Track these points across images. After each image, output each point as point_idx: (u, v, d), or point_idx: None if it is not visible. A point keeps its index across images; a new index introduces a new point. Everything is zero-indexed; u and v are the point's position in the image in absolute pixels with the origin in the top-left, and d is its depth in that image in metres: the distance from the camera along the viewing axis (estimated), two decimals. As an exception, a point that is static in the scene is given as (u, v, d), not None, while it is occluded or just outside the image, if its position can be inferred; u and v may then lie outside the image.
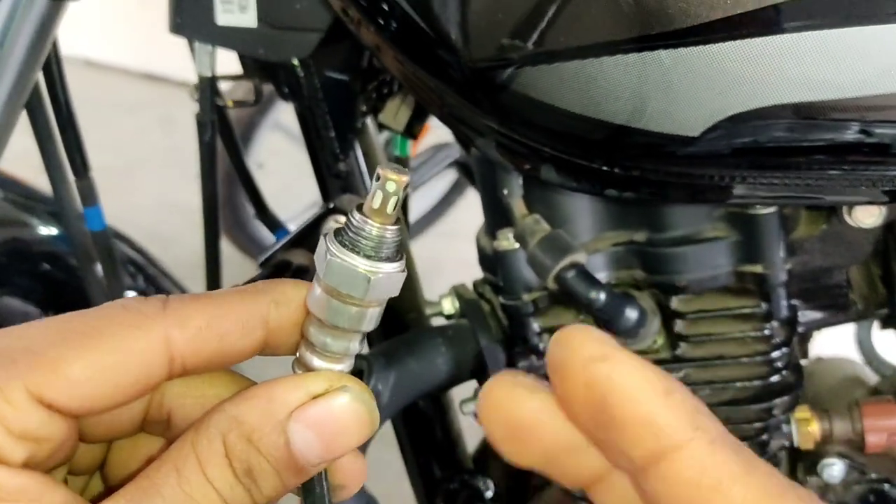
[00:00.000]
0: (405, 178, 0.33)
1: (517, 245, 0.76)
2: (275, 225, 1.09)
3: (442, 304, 0.85)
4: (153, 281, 1.14)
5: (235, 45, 0.82)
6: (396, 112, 0.87)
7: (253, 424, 0.34)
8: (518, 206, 0.76)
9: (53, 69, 0.89)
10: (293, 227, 0.92)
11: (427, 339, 0.82)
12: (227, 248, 2.22)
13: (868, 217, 0.70)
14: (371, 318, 0.36)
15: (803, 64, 0.55)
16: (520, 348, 0.80)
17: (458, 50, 0.64)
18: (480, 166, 0.80)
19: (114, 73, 4.05)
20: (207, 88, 0.87)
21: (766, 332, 0.75)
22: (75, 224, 0.94)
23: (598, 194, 0.71)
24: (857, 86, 0.55)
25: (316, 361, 0.37)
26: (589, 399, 0.28)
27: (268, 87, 0.95)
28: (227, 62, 0.92)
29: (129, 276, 1.14)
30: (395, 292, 0.35)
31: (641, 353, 0.77)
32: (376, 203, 0.34)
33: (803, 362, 0.82)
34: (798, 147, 0.60)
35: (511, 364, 0.80)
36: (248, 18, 0.79)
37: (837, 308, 0.78)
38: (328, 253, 0.34)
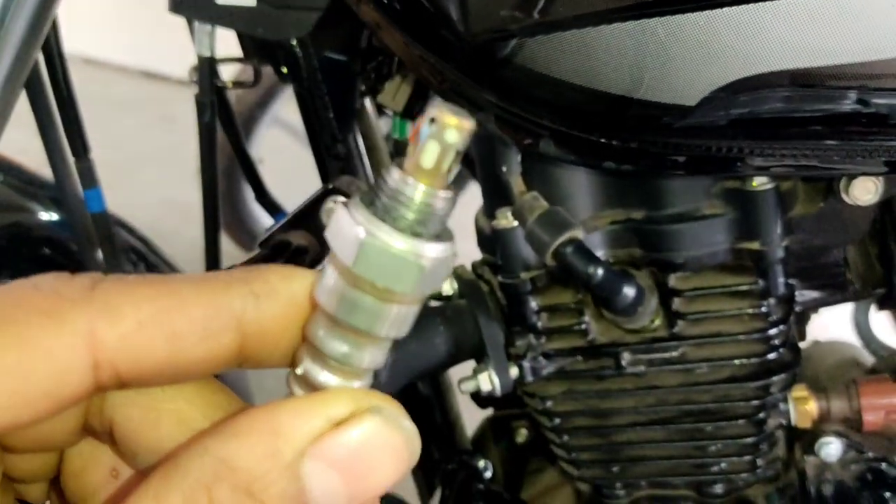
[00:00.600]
0: (469, 125, 0.25)
1: (515, 223, 0.76)
2: (274, 209, 1.09)
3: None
4: (154, 267, 1.14)
5: (234, 23, 0.83)
6: (395, 93, 0.87)
7: (253, 470, 0.24)
8: (517, 184, 0.76)
9: (53, 51, 0.90)
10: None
11: (425, 318, 0.82)
12: (226, 244, 2.23)
13: (865, 194, 0.71)
14: (409, 318, 0.28)
15: (799, 30, 0.55)
16: (518, 327, 0.80)
17: (458, 25, 0.65)
18: (479, 145, 0.80)
19: (113, 70, 4.05)
20: (206, 69, 0.87)
21: (764, 309, 0.75)
22: (76, 206, 0.94)
23: (597, 167, 0.72)
24: (854, 52, 0.56)
25: (327, 377, 0.28)
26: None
27: (268, 81, 0.95)
28: (227, 47, 0.92)
29: (131, 264, 1.14)
30: (443, 283, 0.29)
31: (639, 331, 0.78)
32: (428, 159, 0.25)
33: (801, 345, 0.82)
34: (795, 117, 0.61)
35: (510, 343, 0.80)
36: (247, -3, 0.80)
37: (834, 287, 0.78)
38: (360, 229, 0.26)
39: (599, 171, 0.74)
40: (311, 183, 0.99)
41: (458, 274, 0.85)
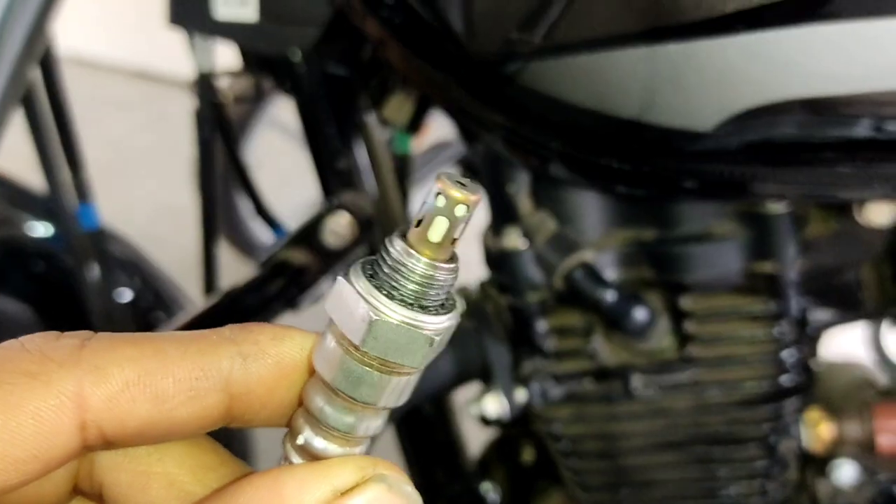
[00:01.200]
0: (477, 198, 0.24)
1: (523, 244, 0.75)
2: (273, 223, 1.07)
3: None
4: (149, 281, 1.12)
5: (235, 38, 0.81)
6: (400, 107, 0.85)
7: None
8: (524, 203, 0.74)
9: (50, 66, 0.88)
10: (294, 224, 0.90)
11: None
12: (224, 250, 2.21)
13: (879, 216, 0.69)
14: (412, 385, 0.28)
15: (815, 57, 0.53)
16: (525, 349, 0.79)
17: (464, 43, 0.63)
18: (486, 162, 0.78)
19: (108, 71, 4.03)
20: (206, 84, 0.85)
21: (776, 332, 0.74)
22: (70, 221, 0.93)
23: (609, 191, 0.70)
24: (871, 80, 0.54)
25: (327, 446, 0.27)
26: None
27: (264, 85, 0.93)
28: (227, 57, 0.90)
29: (126, 276, 1.13)
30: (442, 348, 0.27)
31: (649, 353, 0.76)
32: (436, 234, 0.25)
33: (814, 365, 0.80)
34: (811, 143, 0.59)
35: (517, 365, 0.79)
36: (247, 11, 0.78)
37: (848, 307, 0.77)
38: (368, 308, 0.25)
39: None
40: (309, 185, 0.97)
41: (464, 294, 0.84)
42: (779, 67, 0.55)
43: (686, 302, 0.74)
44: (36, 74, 0.86)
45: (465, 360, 0.80)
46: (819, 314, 0.76)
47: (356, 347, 0.26)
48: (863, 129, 0.58)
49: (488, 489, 0.88)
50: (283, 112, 2.23)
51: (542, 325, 0.78)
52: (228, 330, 0.28)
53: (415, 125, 0.88)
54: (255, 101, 0.88)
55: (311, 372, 0.28)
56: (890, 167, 0.60)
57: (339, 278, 0.26)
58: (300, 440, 0.27)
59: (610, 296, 0.71)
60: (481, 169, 0.81)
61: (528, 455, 0.93)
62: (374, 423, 0.28)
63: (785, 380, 0.75)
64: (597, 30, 0.57)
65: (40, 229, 1.08)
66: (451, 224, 0.24)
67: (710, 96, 0.57)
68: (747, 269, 0.73)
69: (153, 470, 0.28)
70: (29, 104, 0.85)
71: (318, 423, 0.27)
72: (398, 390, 0.27)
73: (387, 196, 0.89)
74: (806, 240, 0.72)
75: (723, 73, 0.56)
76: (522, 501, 0.89)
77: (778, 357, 0.75)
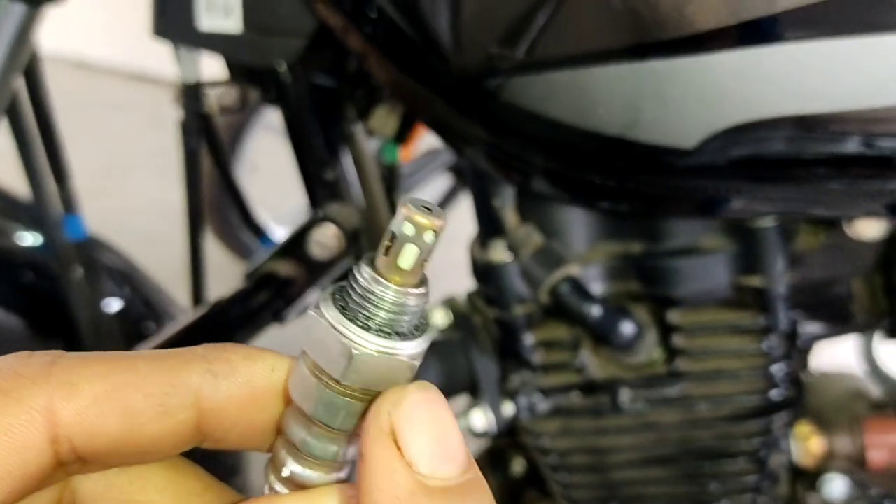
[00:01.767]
0: (440, 223, 0.24)
1: (509, 258, 0.74)
2: (259, 231, 1.06)
3: (434, 316, 0.83)
4: (139, 291, 1.12)
5: (219, 49, 0.80)
6: (386, 118, 0.84)
7: None
8: (510, 217, 0.73)
9: (34, 76, 0.87)
10: (291, 228, 0.89)
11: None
12: (218, 254, 2.20)
13: (869, 229, 0.68)
14: None
15: (802, 75, 0.52)
16: (513, 362, 0.78)
17: (447, 58, 0.62)
18: (472, 175, 0.77)
19: (104, 73, 4.02)
20: (192, 94, 0.85)
21: (766, 345, 0.73)
22: (56, 232, 0.92)
23: (592, 207, 0.69)
24: (858, 97, 0.53)
25: (311, 475, 0.27)
26: None
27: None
28: (214, 67, 0.90)
29: (116, 286, 1.12)
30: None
31: (637, 367, 0.75)
32: (406, 261, 0.25)
33: (805, 377, 0.80)
34: (797, 160, 0.58)
35: (504, 378, 0.78)
36: (232, 23, 0.77)
37: (839, 320, 0.76)
38: (346, 343, 0.25)
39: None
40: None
41: (452, 306, 0.83)
42: (763, 85, 0.54)
43: (674, 316, 0.73)
44: (20, 83, 0.85)
45: (452, 373, 0.79)
46: (809, 327, 0.76)
47: (336, 381, 0.26)
48: (851, 146, 0.57)
49: None
50: (278, 115, 2.22)
51: (529, 339, 0.77)
52: (202, 348, 0.28)
53: (402, 135, 0.88)
54: (245, 108, 0.87)
55: (288, 401, 0.28)
56: (879, 183, 0.59)
57: (310, 312, 0.26)
58: (285, 472, 0.28)
59: (596, 310, 0.70)
60: (468, 181, 0.80)
61: (517, 466, 0.92)
62: (355, 446, 0.28)
63: (774, 394, 0.74)
64: (579, 46, 0.56)
65: (29, 239, 1.08)
66: (421, 250, 0.24)
67: (695, 113, 0.56)
68: (735, 282, 0.72)
69: (135, 499, 0.28)
70: (13, 114, 0.85)
71: (300, 454, 0.27)
72: None
73: (374, 207, 0.88)
74: (795, 253, 0.72)
75: (707, 90, 0.55)
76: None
77: (767, 371, 0.74)
